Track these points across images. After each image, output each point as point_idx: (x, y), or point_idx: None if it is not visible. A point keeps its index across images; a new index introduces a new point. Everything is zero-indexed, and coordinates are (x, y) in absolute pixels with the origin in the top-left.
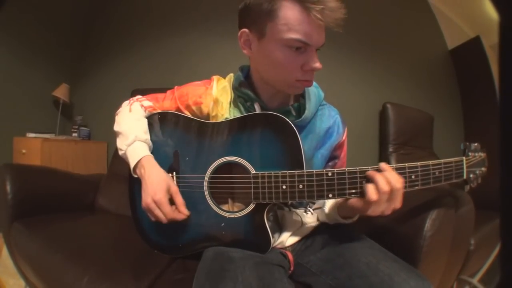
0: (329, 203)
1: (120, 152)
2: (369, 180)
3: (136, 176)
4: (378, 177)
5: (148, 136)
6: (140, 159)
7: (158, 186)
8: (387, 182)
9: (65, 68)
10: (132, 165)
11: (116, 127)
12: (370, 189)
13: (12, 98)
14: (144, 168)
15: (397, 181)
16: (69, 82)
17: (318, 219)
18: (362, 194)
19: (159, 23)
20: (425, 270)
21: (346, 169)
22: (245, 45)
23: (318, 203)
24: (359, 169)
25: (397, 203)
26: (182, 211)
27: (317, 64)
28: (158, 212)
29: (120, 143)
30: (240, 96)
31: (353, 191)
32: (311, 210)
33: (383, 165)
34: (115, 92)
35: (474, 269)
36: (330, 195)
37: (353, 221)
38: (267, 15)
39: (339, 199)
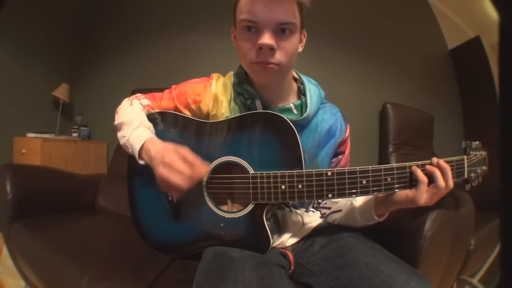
0: (360, 203)
1: (123, 140)
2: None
3: (142, 162)
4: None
5: (151, 125)
6: (145, 141)
7: (165, 151)
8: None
9: (65, 68)
10: (137, 148)
11: (118, 120)
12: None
13: (12, 98)
14: (150, 146)
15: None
16: (69, 82)
17: (325, 220)
18: (411, 186)
19: (160, 24)
20: (425, 270)
21: (346, 169)
22: (235, 40)
23: (336, 206)
24: (359, 168)
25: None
26: (198, 165)
27: (262, 40)
28: (173, 177)
29: (124, 130)
30: (240, 94)
31: (403, 184)
32: (312, 209)
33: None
34: (115, 92)
35: (474, 269)
36: (330, 195)
37: (383, 219)
38: (234, 7)
39: (372, 197)
